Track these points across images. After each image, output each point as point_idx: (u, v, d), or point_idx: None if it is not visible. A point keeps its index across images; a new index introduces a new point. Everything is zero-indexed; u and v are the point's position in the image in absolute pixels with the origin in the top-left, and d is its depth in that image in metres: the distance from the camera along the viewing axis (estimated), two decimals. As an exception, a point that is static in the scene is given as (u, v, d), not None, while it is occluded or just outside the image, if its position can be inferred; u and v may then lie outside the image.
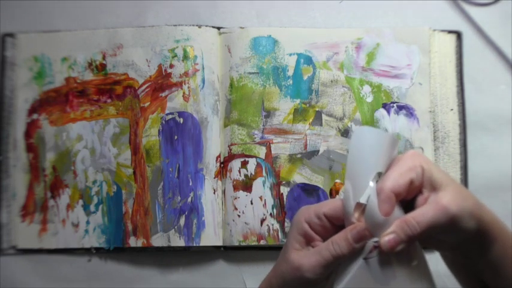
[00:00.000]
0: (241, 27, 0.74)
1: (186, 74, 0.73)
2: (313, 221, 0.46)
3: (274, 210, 0.71)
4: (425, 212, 0.42)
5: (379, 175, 0.45)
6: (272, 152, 0.72)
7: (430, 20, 0.75)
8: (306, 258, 0.44)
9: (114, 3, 0.78)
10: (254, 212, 0.71)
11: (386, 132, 0.44)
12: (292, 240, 0.46)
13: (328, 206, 0.46)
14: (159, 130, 0.73)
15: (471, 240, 0.43)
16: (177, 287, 0.74)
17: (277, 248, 0.64)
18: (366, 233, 0.43)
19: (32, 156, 0.75)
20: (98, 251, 0.74)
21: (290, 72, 0.73)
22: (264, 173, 0.71)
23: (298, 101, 0.73)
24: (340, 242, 0.44)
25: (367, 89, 0.73)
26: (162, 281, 0.74)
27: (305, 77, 0.73)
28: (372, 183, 0.44)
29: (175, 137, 0.72)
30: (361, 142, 0.45)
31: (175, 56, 0.73)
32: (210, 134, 0.72)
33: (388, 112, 0.72)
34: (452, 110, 0.74)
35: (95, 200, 0.74)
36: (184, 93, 0.72)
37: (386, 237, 0.42)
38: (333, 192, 0.71)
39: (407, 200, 0.44)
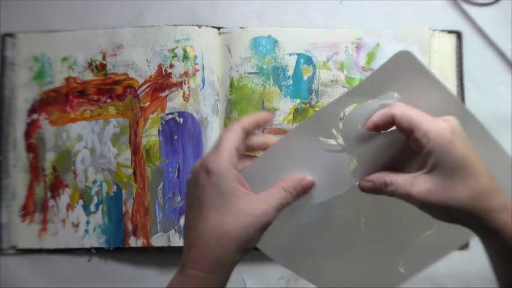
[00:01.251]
0: (241, 27, 0.74)
1: (186, 74, 0.73)
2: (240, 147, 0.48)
3: (274, 210, 0.71)
4: (406, 185, 0.44)
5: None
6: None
7: (430, 20, 0.75)
8: (264, 203, 0.46)
9: (114, 3, 0.78)
10: (254, 212, 0.71)
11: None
12: (231, 193, 0.46)
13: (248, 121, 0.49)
14: (159, 130, 0.73)
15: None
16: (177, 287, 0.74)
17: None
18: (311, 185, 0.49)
19: (32, 156, 0.75)
20: (98, 251, 0.74)
21: (290, 72, 0.73)
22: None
23: (298, 101, 0.73)
24: (290, 189, 0.48)
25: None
26: (162, 281, 0.73)
27: (305, 77, 0.73)
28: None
29: (175, 137, 0.72)
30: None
31: (176, 56, 0.73)
32: (210, 134, 0.72)
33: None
34: (452, 110, 0.74)
35: (95, 200, 0.74)
36: (184, 93, 0.72)
37: (365, 183, 0.48)
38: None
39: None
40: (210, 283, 0.45)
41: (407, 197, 0.44)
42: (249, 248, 0.46)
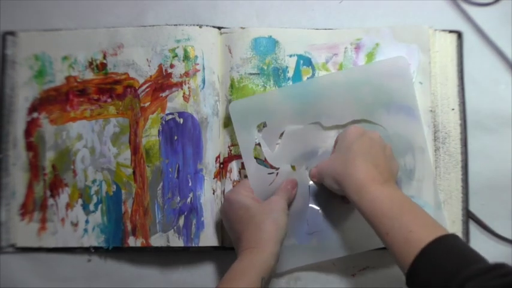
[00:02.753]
0: (242, 28, 0.74)
1: (186, 74, 0.73)
2: None
3: (274, 210, 0.71)
4: (313, 170, 0.69)
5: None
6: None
7: (430, 20, 0.75)
8: (279, 200, 0.66)
9: (115, 3, 0.78)
10: (254, 212, 0.71)
11: None
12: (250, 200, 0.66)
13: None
14: (159, 130, 0.73)
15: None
16: (177, 287, 0.74)
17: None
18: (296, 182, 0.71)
19: (31, 155, 0.75)
20: (97, 251, 0.74)
21: (290, 74, 0.73)
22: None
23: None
24: (289, 187, 0.69)
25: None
26: (162, 281, 0.74)
27: (304, 78, 0.73)
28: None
29: (175, 137, 0.72)
30: None
31: (176, 56, 0.73)
32: (210, 135, 0.72)
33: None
34: (453, 109, 0.74)
35: (94, 199, 0.74)
36: (184, 93, 0.72)
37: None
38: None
39: None
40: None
41: (312, 176, 0.70)
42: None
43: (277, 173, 0.71)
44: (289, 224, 0.66)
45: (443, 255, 0.51)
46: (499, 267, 0.48)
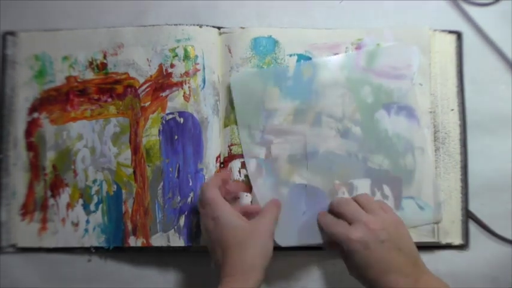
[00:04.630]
0: (241, 27, 0.74)
1: (186, 73, 0.73)
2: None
3: (274, 210, 0.71)
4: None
5: None
6: (272, 153, 0.72)
7: (430, 20, 0.75)
8: (268, 224, 0.64)
9: (115, 3, 0.78)
10: (254, 212, 0.71)
11: None
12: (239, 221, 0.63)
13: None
14: (159, 130, 0.73)
15: None
16: (177, 287, 0.74)
17: (277, 248, 0.64)
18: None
19: (32, 155, 0.75)
20: (98, 250, 0.74)
21: (290, 73, 0.73)
22: (263, 174, 0.71)
23: (298, 101, 0.73)
24: (274, 208, 0.67)
25: (367, 89, 0.72)
26: (162, 281, 0.74)
27: (305, 78, 0.73)
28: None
29: (176, 137, 0.72)
30: None
31: (176, 55, 0.73)
32: (210, 134, 0.72)
33: (389, 113, 0.72)
34: (452, 110, 0.74)
35: (95, 199, 0.74)
36: (184, 93, 0.72)
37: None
38: (332, 193, 0.71)
39: None
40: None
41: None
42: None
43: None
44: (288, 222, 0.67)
45: None
46: None
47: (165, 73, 0.73)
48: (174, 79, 0.73)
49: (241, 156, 0.72)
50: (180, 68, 0.73)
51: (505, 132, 0.75)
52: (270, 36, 0.74)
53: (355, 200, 0.65)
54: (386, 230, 0.60)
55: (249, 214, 0.65)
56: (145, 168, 0.73)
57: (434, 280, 0.59)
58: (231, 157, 0.72)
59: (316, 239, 0.67)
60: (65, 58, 0.75)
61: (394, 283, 0.58)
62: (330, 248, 0.66)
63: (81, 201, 0.74)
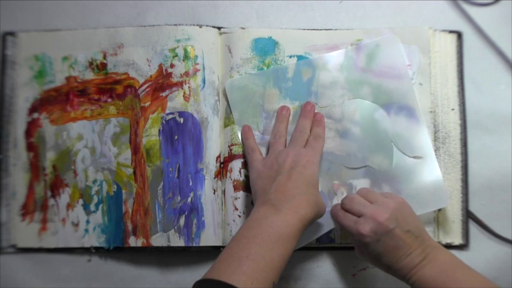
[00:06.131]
0: (242, 28, 0.74)
1: (186, 73, 0.73)
2: None
3: (274, 210, 0.71)
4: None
5: None
6: (272, 153, 0.72)
7: (430, 20, 0.75)
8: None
9: (115, 3, 0.78)
10: (254, 212, 0.71)
11: None
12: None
13: None
14: (159, 130, 0.73)
15: None
16: (177, 287, 0.74)
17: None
18: None
19: (32, 155, 0.75)
20: (98, 251, 0.74)
21: (290, 74, 0.73)
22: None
23: (297, 102, 0.73)
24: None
25: (366, 90, 0.72)
26: (162, 281, 0.74)
27: (304, 79, 0.73)
28: None
29: (176, 137, 0.72)
30: None
31: (176, 55, 0.73)
32: (210, 134, 0.72)
33: (389, 113, 0.72)
34: (453, 109, 0.74)
35: (95, 199, 0.74)
36: (184, 93, 0.72)
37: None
38: (331, 194, 0.71)
39: None
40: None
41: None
42: None
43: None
44: None
45: None
46: None
47: (165, 73, 0.73)
48: (174, 79, 0.73)
49: (242, 156, 0.72)
50: (180, 68, 0.73)
51: (505, 132, 0.74)
52: (270, 37, 0.74)
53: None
54: (393, 217, 0.60)
55: None
56: (145, 168, 0.73)
57: (441, 253, 0.61)
58: (231, 157, 0.72)
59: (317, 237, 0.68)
60: (65, 58, 0.75)
61: (408, 265, 0.60)
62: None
63: (81, 201, 0.74)
